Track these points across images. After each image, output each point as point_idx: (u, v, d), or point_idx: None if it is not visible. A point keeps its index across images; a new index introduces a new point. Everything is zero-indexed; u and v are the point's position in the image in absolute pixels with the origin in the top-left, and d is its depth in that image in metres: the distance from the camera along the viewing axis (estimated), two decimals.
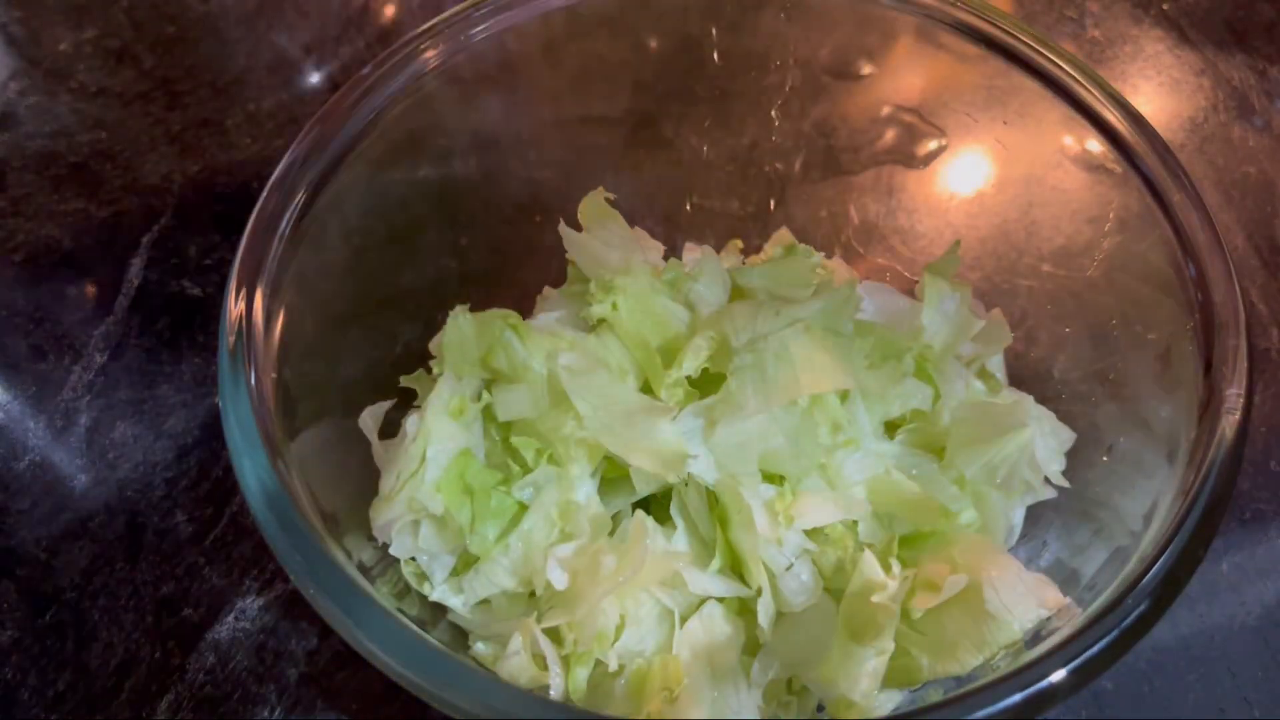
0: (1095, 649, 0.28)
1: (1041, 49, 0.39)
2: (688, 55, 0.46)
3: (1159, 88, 0.65)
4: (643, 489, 0.37)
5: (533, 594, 0.37)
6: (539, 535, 0.36)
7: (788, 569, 0.36)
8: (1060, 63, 0.39)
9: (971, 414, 0.39)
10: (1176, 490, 0.32)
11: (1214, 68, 0.65)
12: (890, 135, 0.46)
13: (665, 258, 0.47)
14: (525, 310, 0.45)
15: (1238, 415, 0.32)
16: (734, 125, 0.48)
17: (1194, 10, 0.68)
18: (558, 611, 0.35)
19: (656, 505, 0.38)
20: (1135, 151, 0.37)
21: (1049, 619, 0.33)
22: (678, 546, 0.37)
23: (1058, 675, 0.28)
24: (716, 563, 0.36)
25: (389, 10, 0.70)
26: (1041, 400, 0.42)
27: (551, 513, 0.36)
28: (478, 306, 0.38)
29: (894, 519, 0.37)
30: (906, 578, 0.34)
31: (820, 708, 0.37)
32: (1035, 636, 0.32)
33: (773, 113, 0.46)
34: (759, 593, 0.35)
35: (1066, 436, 0.40)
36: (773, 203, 0.49)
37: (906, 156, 0.46)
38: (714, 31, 0.45)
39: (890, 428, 0.41)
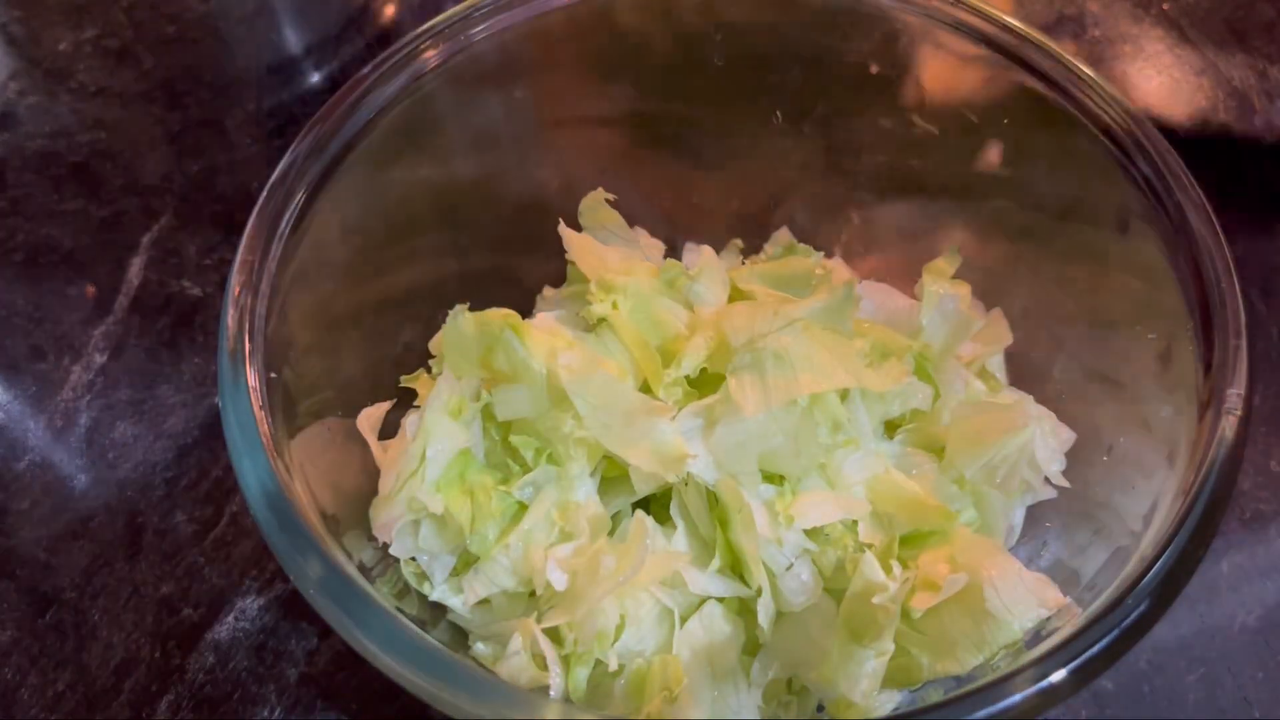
0: (1095, 649, 0.28)
1: (1041, 49, 0.39)
2: (688, 55, 0.46)
3: (1159, 88, 0.65)
4: (642, 489, 0.37)
5: (533, 594, 0.37)
6: (539, 535, 0.36)
7: (788, 569, 0.36)
8: (1060, 63, 0.39)
9: (971, 414, 0.39)
10: (1176, 490, 0.32)
11: (1214, 68, 0.65)
12: (890, 135, 0.46)
13: (665, 258, 0.47)
14: (525, 310, 0.45)
15: (1238, 415, 0.32)
16: (734, 125, 0.48)
17: (1194, 10, 0.68)
18: (558, 611, 0.35)
19: (656, 505, 0.38)
20: (1135, 151, 0.37)
21: (1049, 619, 0.33)
22: (678, 546, 0.37)
23: (1058, 675, 0.28)
24: (716, 563, 0.36)
25: (389, 10, 0.70)
26: (1041, 400, 0.42)
27: (551, 512, 0.36)
28: (478, 306, 0.38)
29: (894, 519, 0.37)
30: (907, 579, 0.34)
31: (820, 708, 0.37)
32: (1035, 636, 0.32)
33: (773, 113, 0.46)
34: (759, 593, 0.35)
35: (1066, 436, 0.40)
36: (773, 203, 0.49)
37: (906, 156, 0.46)
38: (715, 31, 0.45)
39: (890, 427, 0.41)
